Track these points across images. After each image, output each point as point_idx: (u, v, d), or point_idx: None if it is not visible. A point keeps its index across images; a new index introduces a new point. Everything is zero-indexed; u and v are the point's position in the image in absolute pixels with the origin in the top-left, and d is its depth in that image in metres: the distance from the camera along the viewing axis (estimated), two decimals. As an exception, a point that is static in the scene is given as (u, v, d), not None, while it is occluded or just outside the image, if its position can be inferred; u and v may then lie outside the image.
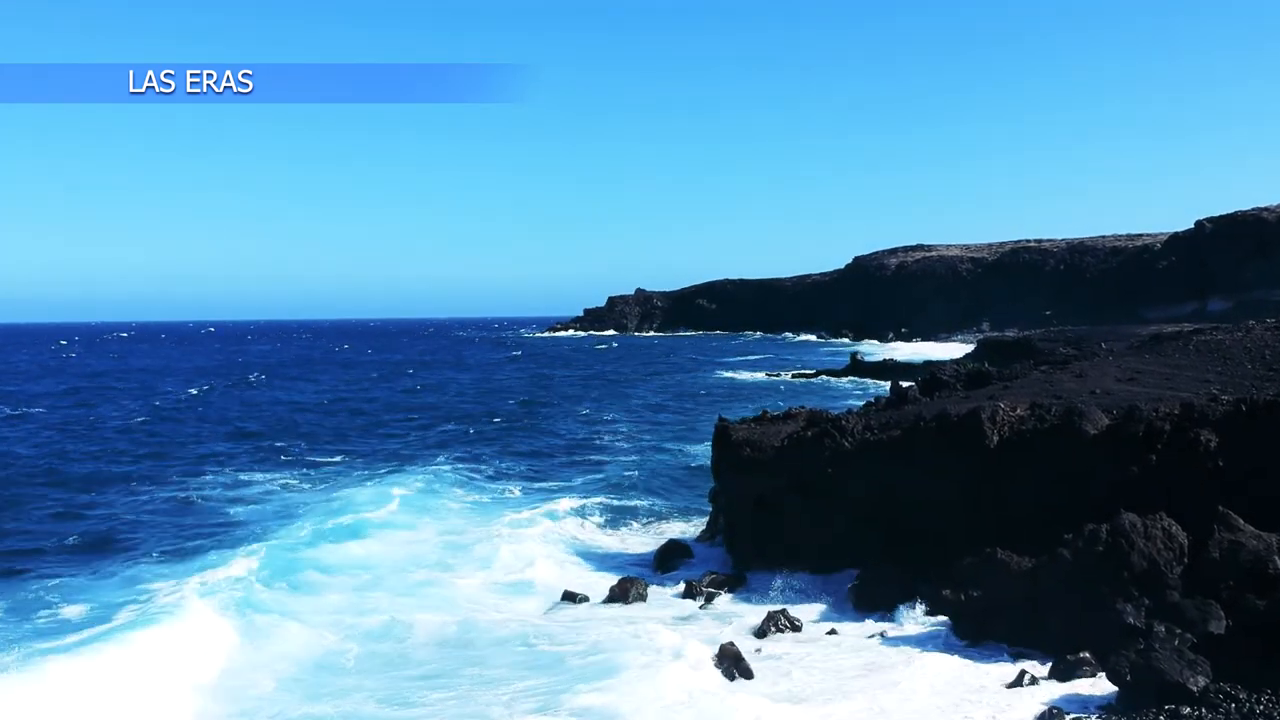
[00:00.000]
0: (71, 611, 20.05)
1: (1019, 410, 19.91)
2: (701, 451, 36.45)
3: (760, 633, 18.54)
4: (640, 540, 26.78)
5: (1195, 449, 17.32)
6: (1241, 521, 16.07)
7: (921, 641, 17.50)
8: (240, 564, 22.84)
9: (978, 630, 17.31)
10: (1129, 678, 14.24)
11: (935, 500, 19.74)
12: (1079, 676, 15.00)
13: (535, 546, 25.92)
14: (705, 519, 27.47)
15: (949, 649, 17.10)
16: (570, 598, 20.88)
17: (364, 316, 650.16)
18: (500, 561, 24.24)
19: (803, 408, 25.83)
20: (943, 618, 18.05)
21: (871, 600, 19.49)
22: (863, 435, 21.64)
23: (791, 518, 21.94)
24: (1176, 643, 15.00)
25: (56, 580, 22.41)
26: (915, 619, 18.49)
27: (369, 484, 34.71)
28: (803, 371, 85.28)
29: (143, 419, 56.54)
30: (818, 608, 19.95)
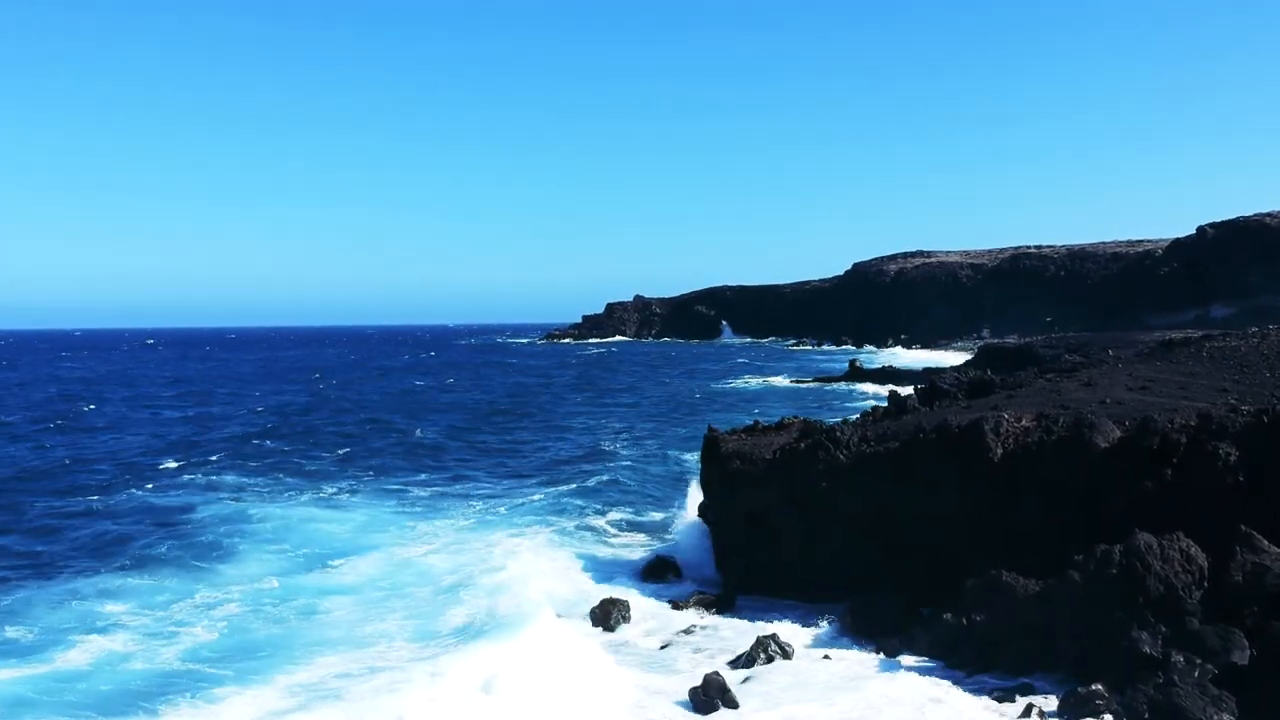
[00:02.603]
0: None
1: (1024, 421, 18.75)
2: (696, 460, 35.31)
3: (749, 659, 17.34)
4: (629, 554, 25.61)
5: (1214, 463, 16.15)
6: (1265, 542, 14.94)
7: (921, 670, 16.33)
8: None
9: (981, 658, 16.18)
10: (1147, 715, 13.10)
11: (936, 517, 18.58)
12: (1091, 712, 13.80)
13: (522, 557, 24.91)
14: (697, 530, 26.29)
15: (950, 678, 15.95)
16: (549, 618, 19.65)
17: (358, 323, 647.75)
18: (486, 574, 23.15)
19: (796, 417, 24.67)
20: (944, 644, 16.88)
21: (868, 624, 18.31)
22: (859, 447, 20.48)
23: (784, 535, 20.78)
24: (1197, 674, 13.90)
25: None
26: (914, 645, 17.30)
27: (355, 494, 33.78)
28: (801, 378, 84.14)
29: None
30: (811, 631, 18.77)
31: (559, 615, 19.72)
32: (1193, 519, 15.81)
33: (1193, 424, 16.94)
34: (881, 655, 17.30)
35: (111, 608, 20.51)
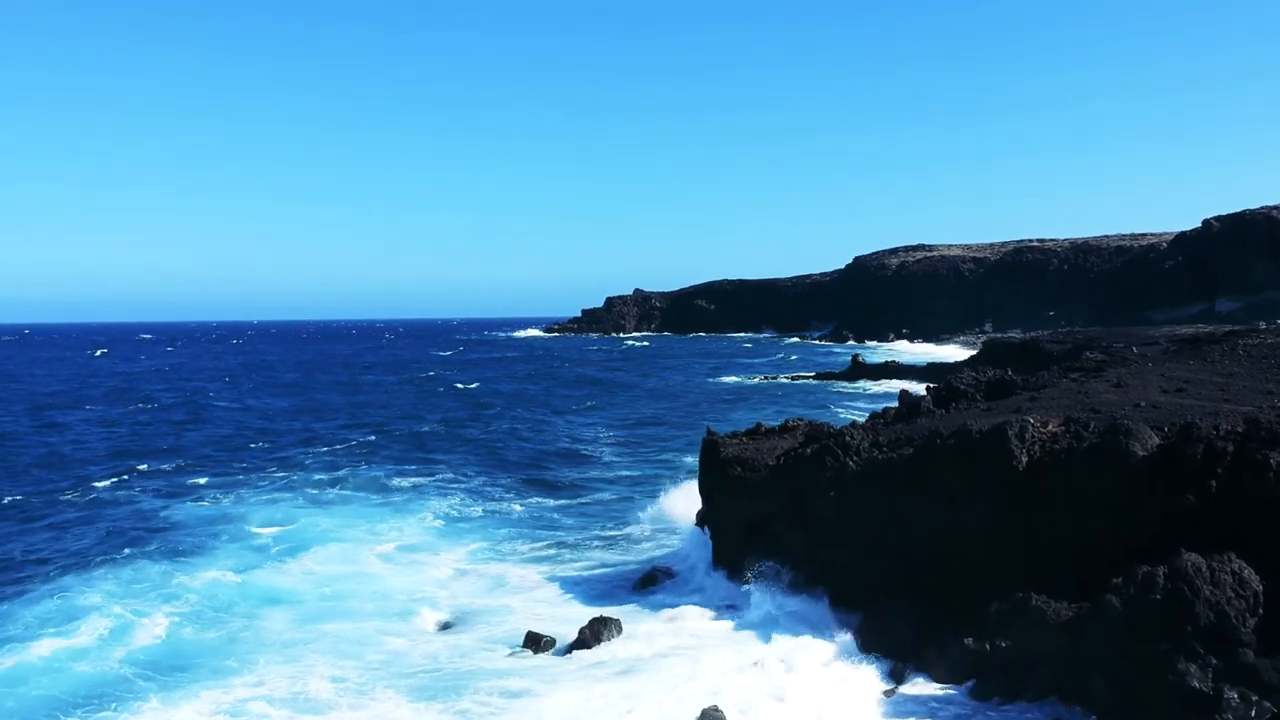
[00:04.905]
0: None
1: (1051, 426, 17.18)
2: (689, 462, 33.80)
3: (752, 682, 15.87)
4: (621, 566, 24.02)
5: (1265, 474, 14.57)
6: (1326, 564, 13.41)
7: (938, 702, 14.93)
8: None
9: (1006, 689, 14.71)
10: (1202, 763, 11.59)
11: (954, 531, 17.03)
12: (1137, 757, 12.31)
13: (501, 570, 23.50)
14: (695, 539, 24.75)
15: (971, 712, 14.51)
16: (534, 641, 18.08)
17: (351, 318, 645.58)
18: (461, 588, 22.02)
19: (800, 420, 23.10)
20: (964, 671, 15.40)
21: (880, 647, 16.81)
22: (869, 453, 18.94)
23: (788, 547, 19.29)
24: (1254, 713, 12.45)
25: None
26: (932, 670, 15.84)
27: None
28: (802, 374, 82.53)
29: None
30: (818, 654, 17.22)
31: (543, 635, 18.25)
32: (1242, 537, 14.27)
33: (1239, 430, 15.38)
34: (895, 681, 15.85)
35: (74, 607, 20.27)
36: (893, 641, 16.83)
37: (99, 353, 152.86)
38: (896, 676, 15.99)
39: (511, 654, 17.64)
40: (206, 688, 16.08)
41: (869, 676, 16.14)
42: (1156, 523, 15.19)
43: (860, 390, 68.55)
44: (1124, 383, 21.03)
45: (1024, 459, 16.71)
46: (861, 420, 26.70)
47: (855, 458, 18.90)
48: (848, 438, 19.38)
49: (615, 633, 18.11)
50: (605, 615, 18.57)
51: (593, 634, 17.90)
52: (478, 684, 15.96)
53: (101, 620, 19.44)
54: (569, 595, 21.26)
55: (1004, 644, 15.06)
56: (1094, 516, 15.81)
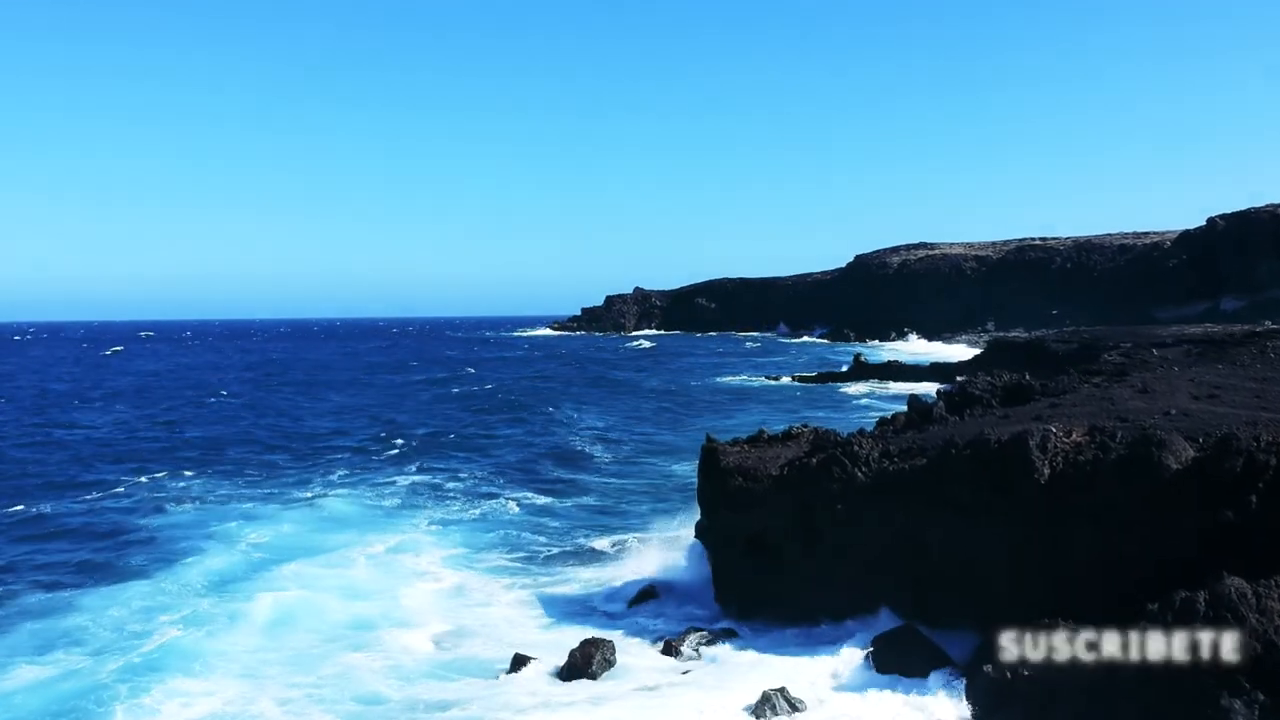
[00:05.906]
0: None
1: (1075, 436, 16.05)
2: (688, 469, 32.66)
3: (755, 716, 14.77)
4: (614, 582, 22.81)
5: (1311, 490, 13.45)
6: (1383, 589, 12.26)
7: (959, 736, 13.74)
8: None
9: (1031, 723, 13.53)
10: (1253, 815, 10.46)
11: (971, 548, 15.91)
12: (1178, 804, 11.19)
13: (484, 586, 22.37)
14: (692, 553, 23.61)
15: (994, 747, 13.33)
16: (521, 663, 16.95)
17: (361, 316, 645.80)
18: (439, 605, 20.92)
19: (805, 426, 21.94)
20: (984, 702, 14.25)
21: (892, 672, 15.69)
22: (879, 464, 17.82)
23: (792, 563, 18.20)
24: (1306, 756, 11.25)
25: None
26: (947, 702, 14.71)
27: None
28: (804, 374, 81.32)
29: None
30: (825, 679, 16.14)
31: (530, 657, 17.11)
32: (1287, 559, 13.12)
33: (1282, 442, 14.23)
34: (907, 714, 14.72)
35: (55, 612, 20.11)
36: (906, 668, 15.75)
37: (110, 351, 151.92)
38: (912, 706, 14.89)
39: (493, 677, 16.53)
40: (170, 698, 15.81)
41: (881, 706, 15.05)
42: (1192, 542, 14.07)
43: (863, 390, 67.51)
44: (1150, 388, 19.88)
45: (1046, 471, 15.58)
46: (867, 424, 25.60)
47: (864, 468, 17.78)
48: (856, 447, 18.25)
49: (608, 655, 16.97)
50: (597, 637, 17.43)
51: (583, 657, 16.75)
52: (436, 714, 14.84)
53: (81, 628, 19.02)
54: (560, 612, 20.14)
55: (1026, 673, 13.93)
56: (1122, 534, 14.67)
